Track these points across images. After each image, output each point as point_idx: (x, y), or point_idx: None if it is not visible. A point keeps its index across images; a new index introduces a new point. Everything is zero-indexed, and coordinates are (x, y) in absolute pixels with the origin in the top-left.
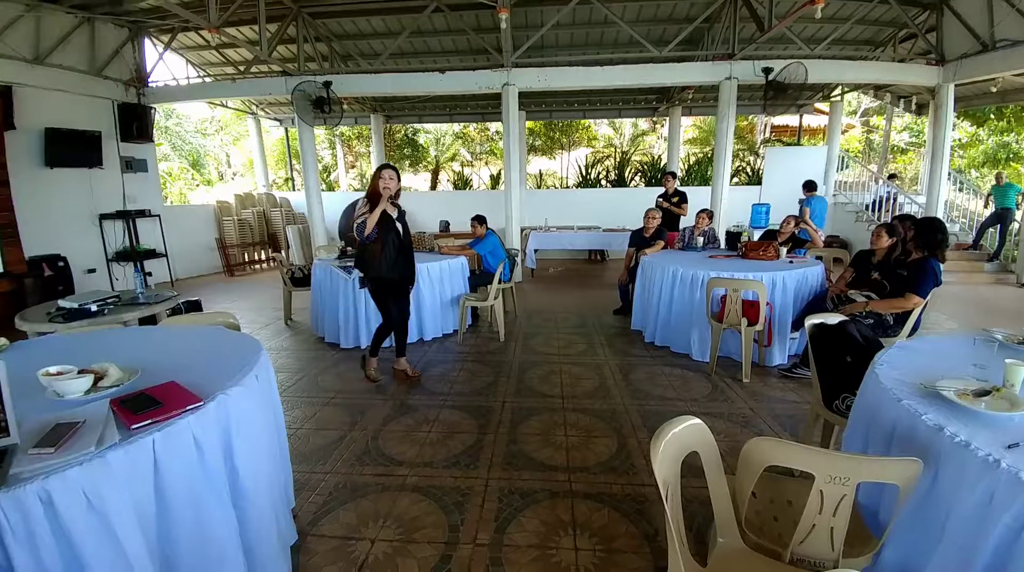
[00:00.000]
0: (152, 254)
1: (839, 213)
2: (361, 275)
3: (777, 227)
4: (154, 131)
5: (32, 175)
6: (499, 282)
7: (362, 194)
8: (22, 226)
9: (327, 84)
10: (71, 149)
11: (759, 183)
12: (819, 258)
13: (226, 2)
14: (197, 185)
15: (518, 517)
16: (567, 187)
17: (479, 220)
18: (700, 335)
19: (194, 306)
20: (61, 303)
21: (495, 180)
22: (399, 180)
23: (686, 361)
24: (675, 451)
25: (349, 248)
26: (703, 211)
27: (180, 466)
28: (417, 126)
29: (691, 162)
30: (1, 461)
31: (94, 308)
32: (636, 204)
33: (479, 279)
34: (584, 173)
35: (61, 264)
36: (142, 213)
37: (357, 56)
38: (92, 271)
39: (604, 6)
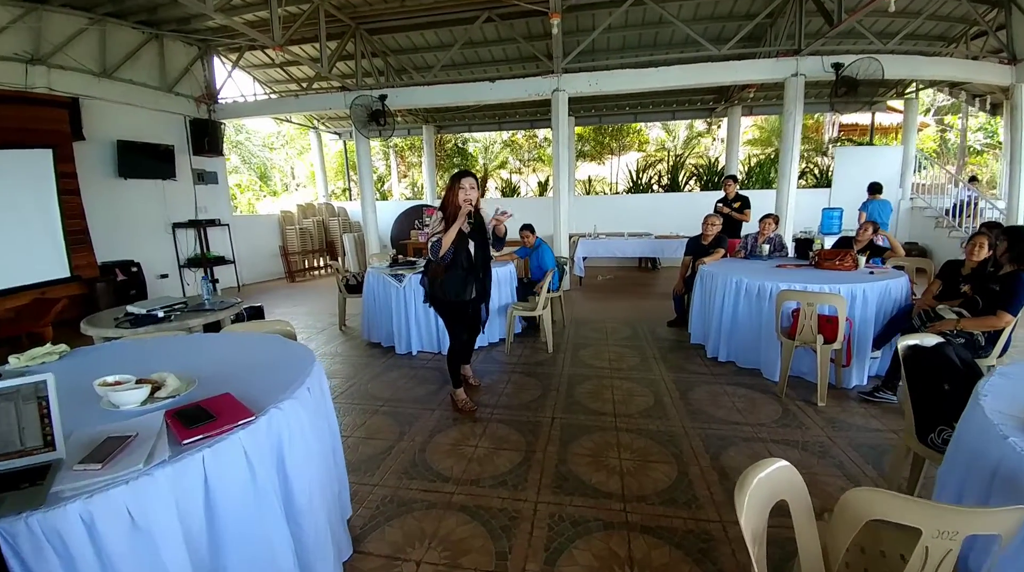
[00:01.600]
0: (221, 261)
1: (917, 218)
2: (426, 293)
3: (852, 233)
4: (224, 145)
5: (105, 185)
6: (548, 291)
7: (413, 202)
8: (96, 233)
9: (382, 97)
10: (144, 161)
11: (828, 186)
12: (899, 268)
13: (289, 21)
14: (264, 196)
15: (569, 548)
16: (617, 193)
17: (529, 229)
18: (768, 352)
19: (256, 312)
20: (130, 309)
21: (543, 187)
22: (478, 189)
23: (753, 380)
24: (763, 499)
25: (400, 255)
26: (768, 216)
27: (231, 483)
28: (467, 135)
29: (752, 164)
30: (44, 477)
31: (161, 314)
32: (691, 209)
33: (527, 288)
34: (635, 178)
35: (135, 269)
36: (212, 222)
37: (411, 69)
38: (164, 276)
39: (659, 6)
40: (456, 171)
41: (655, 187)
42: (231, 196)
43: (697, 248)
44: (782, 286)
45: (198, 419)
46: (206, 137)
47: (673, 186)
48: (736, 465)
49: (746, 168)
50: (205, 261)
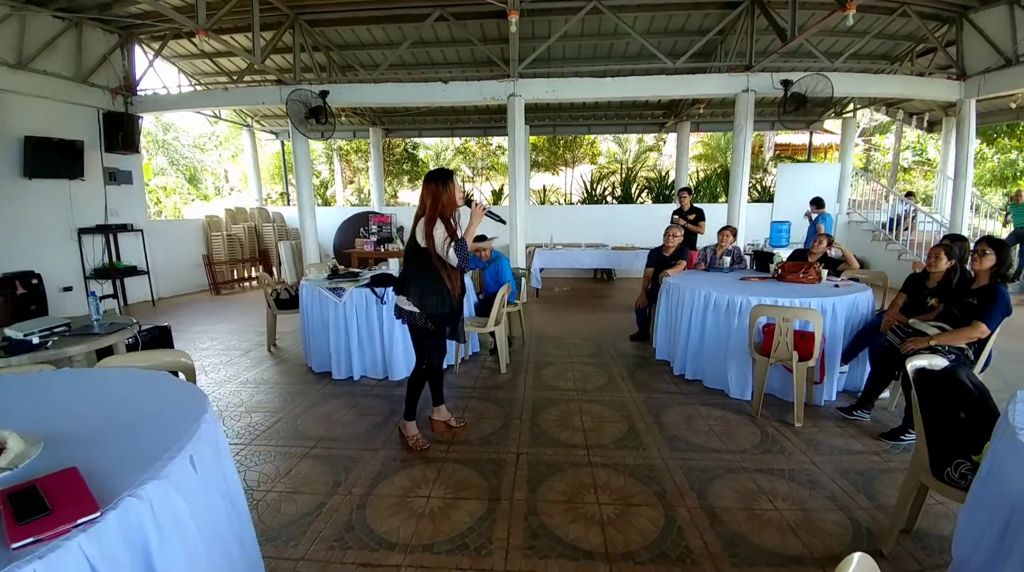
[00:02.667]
0: (133, 271)
1: (854, 232)
2: (412, 310)
3: (799, 246)
4: (141, 141)
5: (8, 186)
6: (502, 305)
7: (359, 209)
8: None
9: (323, 94)
10: (51, 159)
11: (771, 200)
12: (854, 280)
13: (220, 5)
14: (193, 200)
15: None
16: (572, 203)
17: (482, 239)
18: (739, 369)
19: (162, 334)
20: (7, 332)
21: (497, 195)
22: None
23: (723, 399)
24: None
25: (342, 266)
26: (727, 228)
27: None
28: (417, 140)
29: (700, 178)
30: None
31: (36, 340)
32: (645, 220)
33: (487, 304)
34: (589, 189)
35: (35, 281)
36: (124, 227)
37: (357, 66)
38: (68, 289)
39: (615, 16)
40: (436, 171)
41: (609, 198)
42: (155, 200)
43: (659, 260)
44: (754, 301)
45: (32, 509)
46: (121, 132)
47: (626, 198)
48: (725, 504)
49: (694, 182)
50: (114, 271)
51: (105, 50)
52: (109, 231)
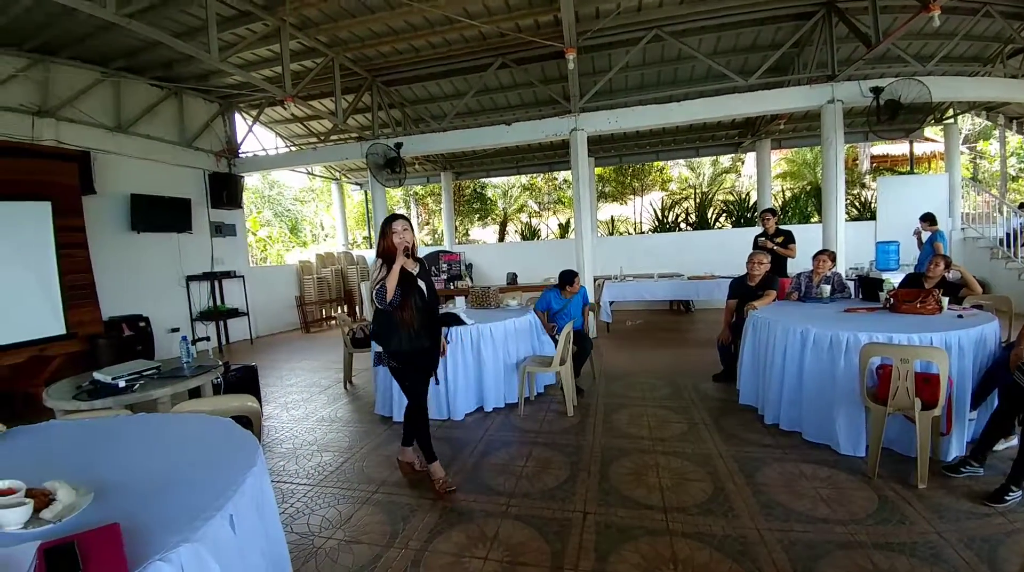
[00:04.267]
0: (234, 313)
1: (971, 250)
2: (379, 350)
3: (911, 269)
4: (243, 197)
5: (117, 239)
6: (568, 343)
7: (433, 248)
8: (104, 287)
9: (398, 145)
10: (159, 214)
11: (872, 218)
12: (978, 307)
13: (303, 75)
14: (293, 247)
15: None
16: (642, 232)
17: (570, 277)
18: (848, 420)
19: (248, 373)
20: (96, 375)
21: (564, 229)
22: (413, 231)
23: (830, 455)
24: None
25: None
26: (823, 252)
27: None
28: (485, 180)
29: (786, 198)
30: None
31: (122, 383)
32: (724, 247)
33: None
34: (660, 217)
35: (142, 324)
36: (228, 274)
37: (428, 118)
38: (175, 330)
39: (678, 41)
40: (387, 217)
41: (682, 226)
42: (262, 248)
43: (743, 290)
44: (863, 337)
45: (65, 570)
46: (225, 190)
47: (702, 223)
48: None
49: (780, 202)
50: (217, 314)
51: (207, 117)
52: (214, 278)
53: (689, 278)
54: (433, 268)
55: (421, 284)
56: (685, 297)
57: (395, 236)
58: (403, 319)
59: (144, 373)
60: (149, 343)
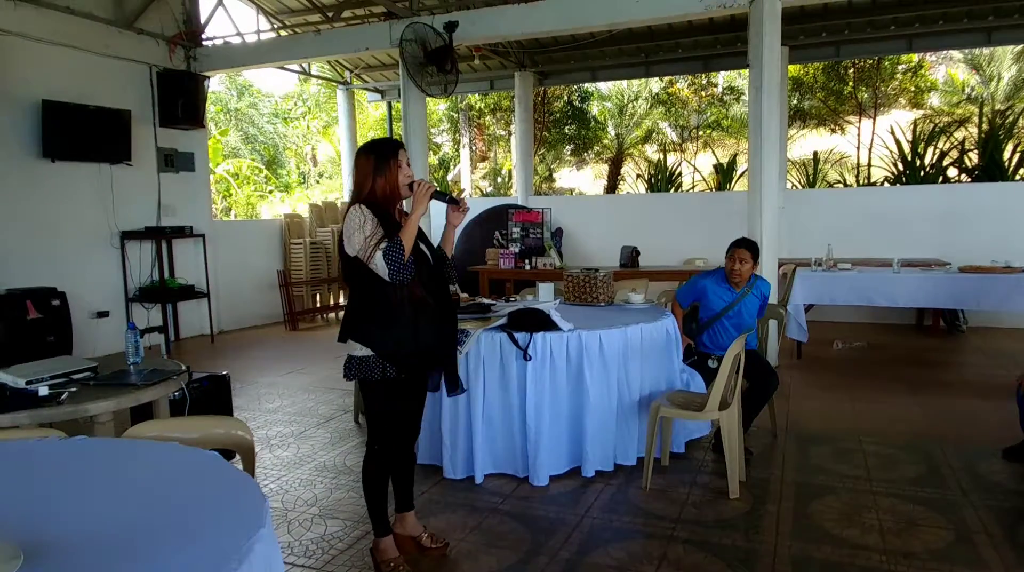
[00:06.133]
0: (190, 293)
1: None
2: (363, 354)
3: None
4: (207, 112)
5: (23, 169)
6: (735, 369)
7: (495, 201)
8: None
9: (450, 26)
10: (82, 133)
11: None
12: None
13: None
14: (271, 191)
15: None
16: (871, 183)
17: (749, 250)
18: None
19: (217, 387)
20: (2, 377)
21: (725, 172)
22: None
23: None
24: None
25: (463, 294)
26: None
27: None
28: (589, 87)
29: None
30: None
31: (44, 391)
32: None
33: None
34: (909, 155)
35: (56, 302)
36: (182, 231)
37: None
38: (103, 315)
39: None
40: (373, 142)
41: (952, 172)
42: (224, 191)
43: None
44: None
45: None
46: (181, 98)
47: (990, 170)
48: None
49: None
50: (166, 292)
51: None
52: (162, 236)
53: (962, 270)
54: (497, 234)
55: (422, 246)
56: (952, 305)
57: (401, 171)
58: (417, 300)
59: (74, 377)
60: (65, 331)
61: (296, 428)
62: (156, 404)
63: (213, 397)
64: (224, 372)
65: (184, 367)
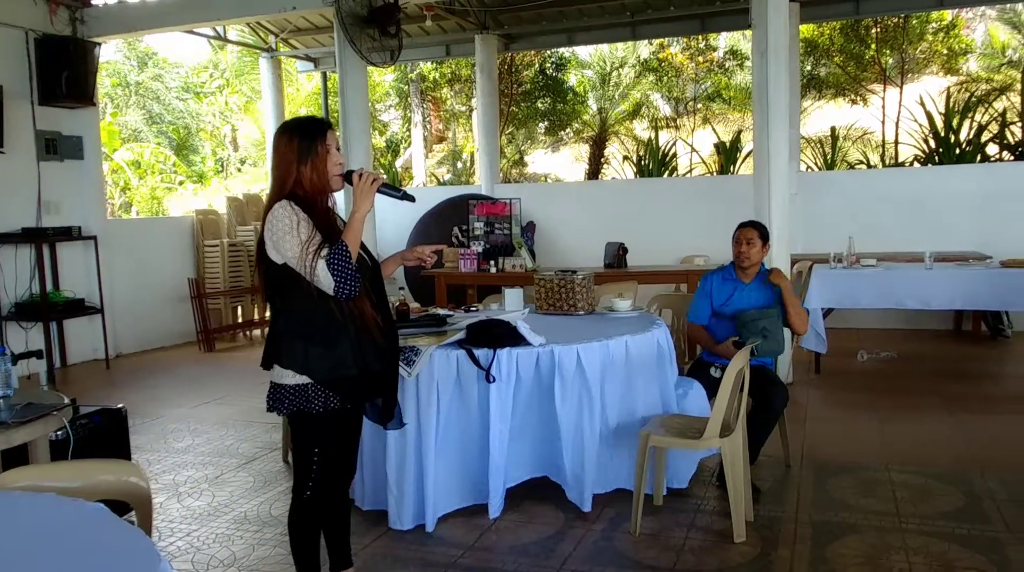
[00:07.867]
0: (79, 307)
1: None
2: (298, 383)
3: None
4: (98, 86)
5: None
6: (739, 388)
7: (455, 190)
8: None
9: None
10: None
11: None
12: None
13: None
14: (181, 183)
15: None
16: (897, 163)
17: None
18: None
19: (111, 423)
20: None
21: (727, 153)
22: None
23: None
24: None
25: (414, 304)
26: None
27: None
28: (565, 52)
29: None
30: None
31: None
32: None
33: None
34: (941, 131)
35: None
36: (67, 233)
37: None
38: None
39: None
40: (294, 121)
41: (993, 149)
42: (121, 183)
43: None
44: None
45: None
46: (66, 70)
47: None
48: None
49: None
50: (48, 308)
51: None
52: (43, 239)
53: (1005, 265)
54: (456, 230)
55: (360, 251)
56: (995, 306)
57: (330, 159)
58: (366, 317)
59: None
60: None
61: (211, 471)
62: (33, 446)
63: (106, 436)
64: (120, 405)
65: (68, 400)
